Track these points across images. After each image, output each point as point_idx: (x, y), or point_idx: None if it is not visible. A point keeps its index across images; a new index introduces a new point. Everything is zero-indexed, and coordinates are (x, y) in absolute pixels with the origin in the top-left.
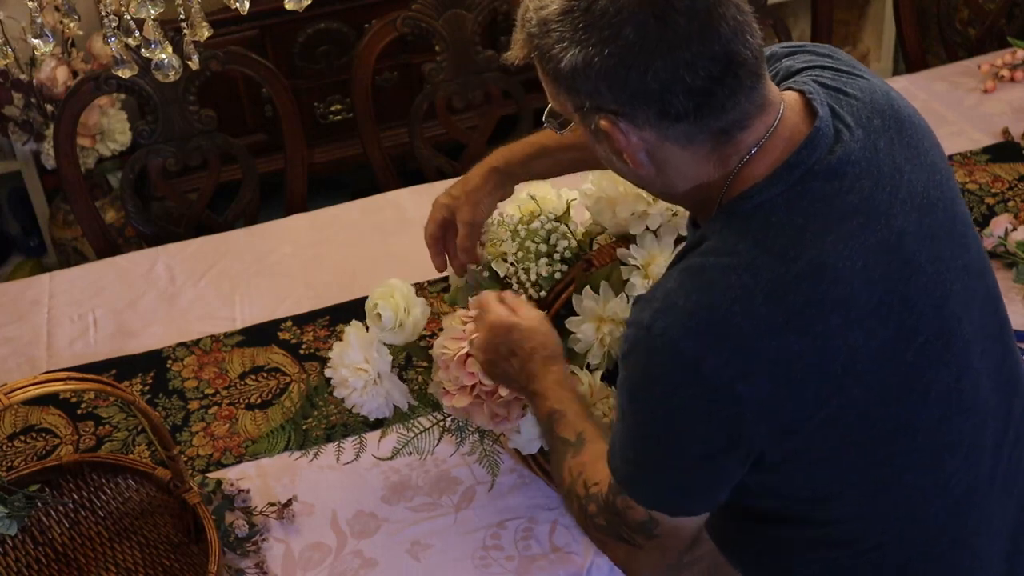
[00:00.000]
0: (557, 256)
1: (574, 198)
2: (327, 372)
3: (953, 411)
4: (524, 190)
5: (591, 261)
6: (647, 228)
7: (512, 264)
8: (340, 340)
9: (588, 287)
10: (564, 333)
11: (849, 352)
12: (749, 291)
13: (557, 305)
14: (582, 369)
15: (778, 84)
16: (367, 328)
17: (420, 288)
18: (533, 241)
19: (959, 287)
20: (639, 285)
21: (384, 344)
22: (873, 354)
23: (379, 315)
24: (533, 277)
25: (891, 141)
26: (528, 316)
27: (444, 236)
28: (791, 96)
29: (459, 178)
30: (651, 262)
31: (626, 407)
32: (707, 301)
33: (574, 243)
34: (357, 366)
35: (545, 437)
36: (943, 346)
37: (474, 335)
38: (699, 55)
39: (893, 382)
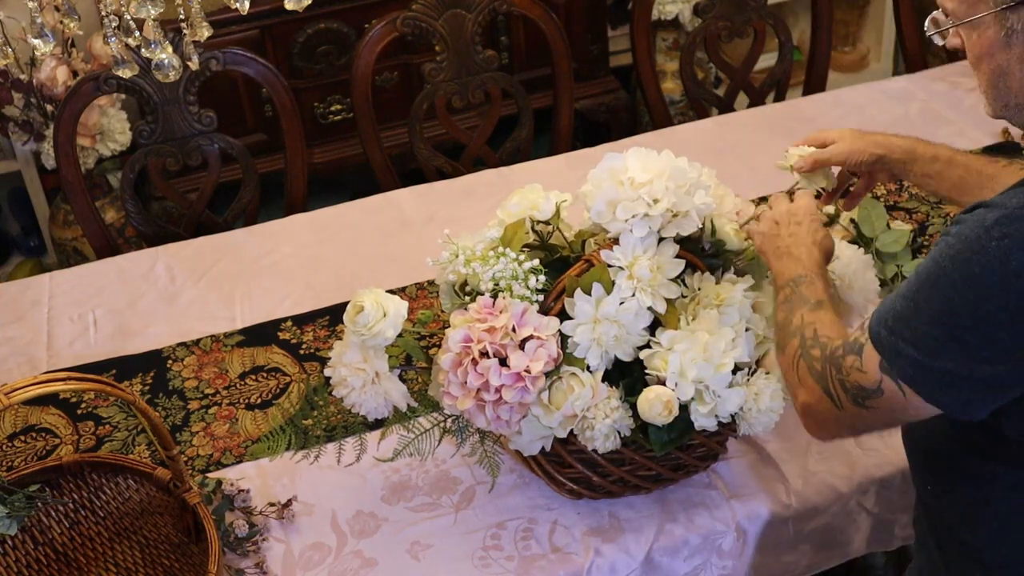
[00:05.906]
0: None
1: (564, 199)
2: (327, 371)
3: None
4: (515, 195)
5: (591, 261)
6: (650, 229)
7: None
8: (340, 340)
9: (580, 289)
10: (564, 336)
11: None
12: None
13: (557, 307)
14: (583, 371)
15: None
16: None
17: (420, 288)
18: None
19: None
20: (624, 286)
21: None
22: None
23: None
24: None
25: None
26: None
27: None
28: None
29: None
30: (635, 263)
31: (923, 288)
32: None
33: (544, 279)
34: (356, 365)
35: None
36: None
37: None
38: None
39: None
